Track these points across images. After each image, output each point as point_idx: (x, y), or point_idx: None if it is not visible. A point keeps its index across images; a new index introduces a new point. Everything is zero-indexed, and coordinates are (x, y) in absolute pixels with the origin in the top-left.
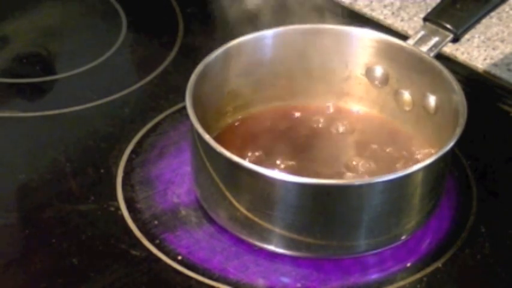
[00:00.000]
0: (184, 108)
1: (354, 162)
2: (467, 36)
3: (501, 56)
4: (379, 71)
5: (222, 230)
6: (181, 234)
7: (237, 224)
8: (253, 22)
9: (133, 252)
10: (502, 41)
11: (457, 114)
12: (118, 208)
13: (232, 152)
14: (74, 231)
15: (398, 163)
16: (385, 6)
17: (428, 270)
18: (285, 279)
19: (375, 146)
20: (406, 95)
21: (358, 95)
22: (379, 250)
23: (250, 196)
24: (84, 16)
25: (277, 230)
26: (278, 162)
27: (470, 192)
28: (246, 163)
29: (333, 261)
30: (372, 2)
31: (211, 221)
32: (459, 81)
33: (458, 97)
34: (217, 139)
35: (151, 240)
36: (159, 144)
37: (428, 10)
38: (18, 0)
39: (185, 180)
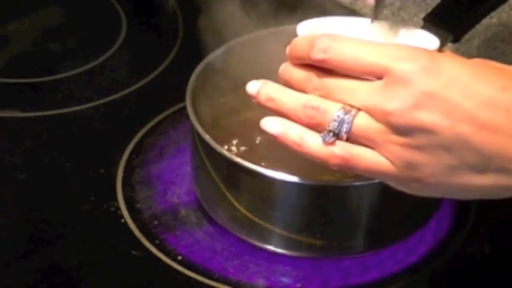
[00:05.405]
0: (184, 108)
1: None
2: (467, 36)
3: (501, 56)
4: None
5: (222, 230)
6: (181, 234)
7: (237, 224)
8: (253, 22)
9: (133, 252)
10: (502, 41)
11: None
12: (118, 208)
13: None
14: (74, 231)
15: None
16: (385, 7)
17: (428, 270)
18: (285, 279)
19: None
20: None
21: None
22: (379, 250)
23: (250, 196)
24: (84, 16)
25: (277, 230)
26: (279, 162)
27: None
28: (246, 163)
29: (333, 261)
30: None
31: (211, 221)
32: None
33: None
34: (217, 139)
35: (151, 240)
36: (159, 144)
37: (428, 10)
38: (18, 0)
39: (185, 180)
